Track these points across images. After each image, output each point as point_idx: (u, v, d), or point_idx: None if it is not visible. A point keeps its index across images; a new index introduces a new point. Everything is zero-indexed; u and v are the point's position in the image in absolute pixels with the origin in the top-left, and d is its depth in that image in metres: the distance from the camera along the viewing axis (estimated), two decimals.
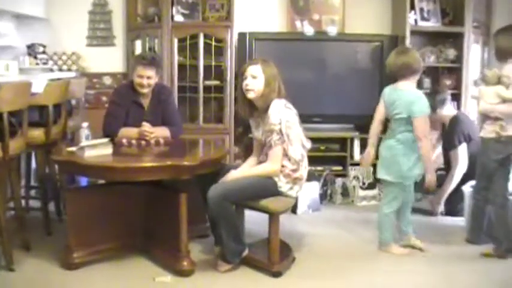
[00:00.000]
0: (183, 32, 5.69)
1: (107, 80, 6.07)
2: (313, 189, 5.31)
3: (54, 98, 4.22)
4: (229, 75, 5.69)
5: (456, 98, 5.73)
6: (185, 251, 3.63)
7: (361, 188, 5.60)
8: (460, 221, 4.79)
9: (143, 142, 4.20)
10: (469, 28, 5.80)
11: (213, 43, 5.71)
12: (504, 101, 3.83)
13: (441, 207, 5.07)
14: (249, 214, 4.01)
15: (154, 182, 3.65)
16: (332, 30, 5.84)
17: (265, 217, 3.69)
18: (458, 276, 3.72)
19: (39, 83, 4.26)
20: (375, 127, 4.24)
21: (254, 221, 4.18)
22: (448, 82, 5.95)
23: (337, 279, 3.67)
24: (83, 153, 3.67)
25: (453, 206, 5.01)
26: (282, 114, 3.60)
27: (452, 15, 5.97)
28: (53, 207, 4.59)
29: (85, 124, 4.00)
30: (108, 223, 3.83)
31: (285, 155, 3.65)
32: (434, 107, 4.84)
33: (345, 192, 5.64)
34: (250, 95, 3.70)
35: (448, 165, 5.08)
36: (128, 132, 4.26)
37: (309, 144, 3.83)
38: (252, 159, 3.95)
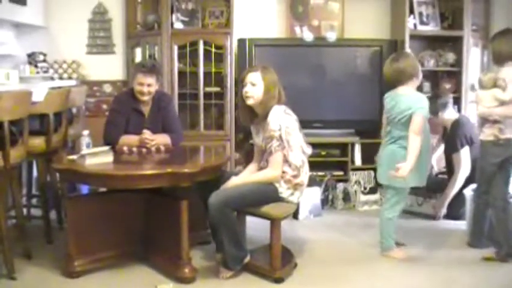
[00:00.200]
0: (183, 39, 5.70)
1: (107, 88, 6.08)
2: (315, 194, 5.31)
3: (55, 107, 4.23)
4: (230, 82, 5.69)
5: (456, 101, 5.73)
6: (186, 258, 3.63)
7: (363, 192, 5.60)
8: (461, 225, 4.79)
9: (144, 150, 4.20)
10: (468, 32, 5.81)
11: (213, 50, 5.72)
12: (502, 103, 3.84)
13: (443, 211, 5.06)
14: (250, 220, 4.02)
15: (155, 189, 3.65)
16: (331, 36, 5.84)
17: (266, 223, 3.69)
18: (459, 280, 3.71)
19: (39, 92, 4.26)
20: (385, 131, 4.26)
21: (255, 227, 4.18)
22: (447, 86, 5.96)
23: (339, 285, 3.67)
24: (83, 161, 3.68)
25: (455, 210, 5.01)
26: (282, 121, 3.61)
27: (451, 19, 5.99)
28: (54, 216, 4.60)
29: (86, 132, 4.00)
30: (109, 231, 3.83)
31: (286, 161, 3.66)
32: (436, 110, 4.86)
33: (346, 197, 5.64)
34: (250, 102, 3.71)
35: (450, 169, 5.08)
36: (128, 140, 4.26)
37: (309, 150, 3.83)
38: (252, 166, 3.95)
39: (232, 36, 5.68)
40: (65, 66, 5.94)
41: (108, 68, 6.07)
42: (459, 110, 5.73)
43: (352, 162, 5.79)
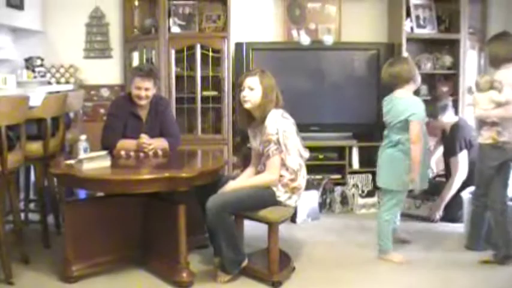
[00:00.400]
0: (180, 43, 5.70)
1: (105, 92, 6.08)
2: (312, 198, 5.30)
3: (52, 111, 4.23)
4: (227, 86, 5.69)
5: (453, 104, 5.72)
6: (184, 263, 3.63)
7: (360, 196, 5.61)
8: (459, 228, 4.79)
9: (141, 154, 4.20)
10: (465, 35, 5.81)
11: (210, 54, 5.72)
12: (498, 105, 3.86)
13: (440, 214, 5.06)
14: (248, 224, 4.01)
15: (152, 193, 3.64)
16: (328, 39, 5.84)
17: (264, 227, 3.69)
18: (457, 282, 3.72)
19: (37, 96, 4.27)
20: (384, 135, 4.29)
21: (253, 231, 4.18)
22: (444, 89, 5.96)
23: None
24: (81, 166, 3.67)
25: (453, 213, 5.01)
26: (279, 124, 3.61)
27: (448, 22, 5.99)
28: (51, 220, 4.59)
29: (83, 137, 4.00)
30: (106, 235, 3.83)
31: (283, 164, 3.66)
32: (435, 113, 4.88)
33: (344, 200, 5.64)
34: (248, 106, 3.72)
35: (448, 172, 5.09)
36: (126, 144, 4.26)
37: (306, 154, 3.83)
38: (250, 170, 3.96)
39: (230, 40, 5.69)
40: (62, 70, 5.94)
41: (106, 72, 6.07)
42: (456, 113, 5.73)
43: (350, 165, 5.79)
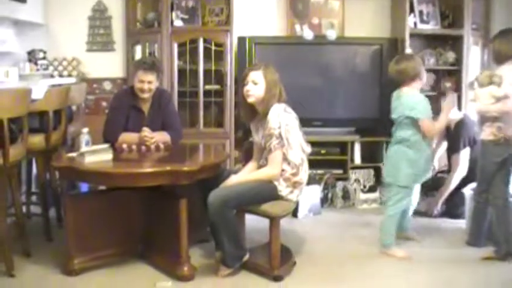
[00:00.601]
0: (183, 36, 5.69)
1: (107, 86, 6.07)
2: (314, 193, 5.31)
3: (55, 104, 4.23)
4: (229, 80, 5.69)
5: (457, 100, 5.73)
6: (185, 256, 3.63)
7: (362, 191, 5.61)
8: (461, 224, 4.79)
9: (143, 147, 4.20)
10: (468, 30, 5.80)
11: (213, 47, 5.71)
12: (498, 100, 3.85)
13: (438, 209, 5.07)
14: (249, 218, 4.02)
15: (154, 187, 3.64)
16: (331, 34, 5.81)
17: (265, 221, 3.69)
18: (458, 279, 3.72)
19: (39, 89, 4.26)
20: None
21: (255, 226, 4.18)
22: (448, 85, 5.95)
23: (338, 284, 3.66)
24: (83, 159, 3.68)
25: (454, 209, 5.01)
26: (282, 119, 3.61)
27: (452, 17, 5.97)
28: (53, 214, 4.60)
29: (85, 130, 4.00)
30: (108, 229, 3.83)
31: (285, 159, 3.66)
32: (440, 110, 4.86)
33: (346, 195, 5.64)
34: (251, 100, 3.72)
35: (450, 168, 5.08)
36: (128, 138, 4.26)
37: (308, 149, 3.83)
38: (252, 164, 3.95)
39: (232, 34, 5.68)
40: (64, 63, 5.94)
41: (108, 66, 6.06)
42: (459, 109, 5.72)
43: (352, 160, 5.77)
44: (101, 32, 6.05)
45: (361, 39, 5.92)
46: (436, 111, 4.23)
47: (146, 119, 4.38)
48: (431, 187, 5.04)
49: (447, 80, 6.00)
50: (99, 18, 6.04)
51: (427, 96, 4.24)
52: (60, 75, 5.89)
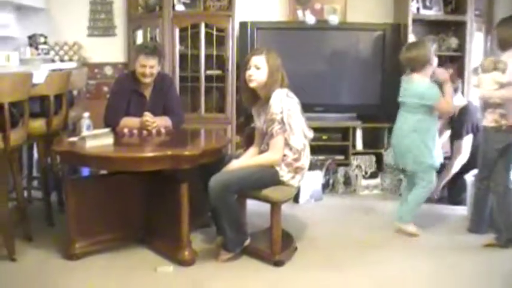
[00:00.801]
0: (184, 21, 5.66)
1: (108, 70, 6.06)
2: (316, 178, 5.31)
3: (56, 89, 4.22)
4: (231, 65, 5.66)
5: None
6: (186, 241, 3.64)
7: (364, 177, 5.61)
8: (462, 210, 4.79)
9: (144, 132, 4.19)
10: (471, 16, 5.75)
11: (215, 33, 5.68)
12: (502, 86, 3.84)
13: (437, 194, 5.07)
14: (250, 203, 4.02)
15: (155, 172, 3.63)
16: (334, 19, 5.78)
17: (267, 206, 3.69)
18: (460, 265, 3.72)
19: (40, 74, 4.25)
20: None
21: (256, 211, 4.18)
22: (450, 71, 5.91)
23: (339, 269, 3.66)
24: (84, 143, 3.66)
25: (456, 195, 5.01)
26: (284, 104, 3.59)
27: (455, 3, 5.92)
28: (54, 198, 4.60)
29: (86, 114, 3.99)
30: (109, 213, 3.84)
31: (287, 144, 3.65)
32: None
33: (347, 181, 5.64)
34: (253, 85, 3.70)
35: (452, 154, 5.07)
36: (129, 122, 4.25)
37: (310, 134, 3.82)
38: (253, 149, 3.94)
39: (234, 19, 5.64)
40: (65, 48, 5.93)
41: (109, 50, 6.05)
42: (462, 95, 5.70)
43: (354, 146, 5.76)
44: (102, 17, 6.03)
45: (363, 25, 5.88)
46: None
47: (148, 103, 4.37)
48: None
49: (450, 66, 5.95)
50: (100, 3, 6.01)
51: None
52: (61, 60, 5.88)
